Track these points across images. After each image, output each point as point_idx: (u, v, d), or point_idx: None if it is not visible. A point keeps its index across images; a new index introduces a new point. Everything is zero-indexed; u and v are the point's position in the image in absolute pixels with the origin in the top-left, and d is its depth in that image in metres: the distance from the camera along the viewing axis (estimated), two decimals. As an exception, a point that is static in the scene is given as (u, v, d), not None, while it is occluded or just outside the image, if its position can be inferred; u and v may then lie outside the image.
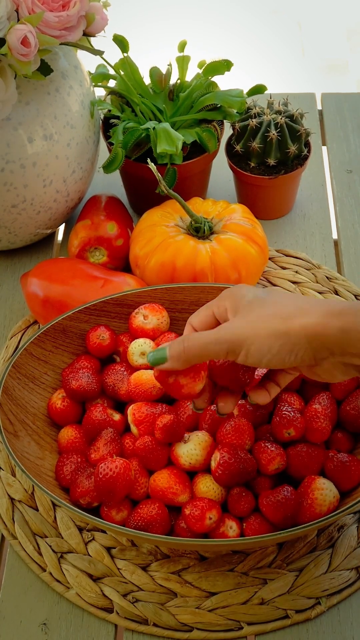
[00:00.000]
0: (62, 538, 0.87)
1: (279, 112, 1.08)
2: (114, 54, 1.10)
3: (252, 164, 1.11)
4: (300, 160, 1.11)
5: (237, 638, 0.82)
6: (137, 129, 1.04)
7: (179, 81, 1.11)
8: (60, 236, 1.18)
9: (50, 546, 0.87)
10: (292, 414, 0.84)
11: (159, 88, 1.09)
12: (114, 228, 1.05)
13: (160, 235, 1.00)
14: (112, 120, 1.10)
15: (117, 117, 1.10)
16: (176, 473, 0.84)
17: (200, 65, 1.09)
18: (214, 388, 0.79)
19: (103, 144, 1.24)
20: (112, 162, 1.04)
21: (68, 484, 0.85)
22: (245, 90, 1.10)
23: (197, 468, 0.84)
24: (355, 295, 1.06)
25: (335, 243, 1.16)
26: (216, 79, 1.09)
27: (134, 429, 0.86)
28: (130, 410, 0.86)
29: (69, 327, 0.93)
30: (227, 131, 1.23)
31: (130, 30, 2.08)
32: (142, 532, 0.77)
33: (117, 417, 0.89)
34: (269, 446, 0.83)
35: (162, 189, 0.95)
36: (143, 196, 1.13)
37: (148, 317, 0.92)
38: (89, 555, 0.86)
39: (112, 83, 1.13)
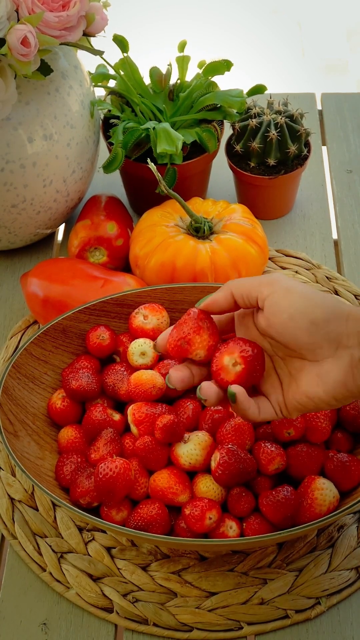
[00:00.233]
0: (62, 538, 0.87)
1: (279, 112, 1.08)
2: (114, 54, 1.10)
3: (252, 164, 1.11)
4: (300, 160, 1.11)
5: (237, 638, 0.82)
6: (137, 129, 1.04)
7: (179, 81, 1.11)
8: (60, 236, 1.18)
9: (50, 546, 0.87)
10: (292, 414, 0.84)
11: (159, 88, 1.09)
12: (114, 228, 1.05)
13: (160, 235, 1.00)
14: (112, 120, 1.10)
15: (117, 117, 1.10)
16: (176, 473, 0.84)
17: (200, 65, 1.09)
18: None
19: (103, 144, 1.24)
20: (112, 162, 1.04)
21: (68, 484, 0.85)
22: (245, 90, 1.10)
23: (197, 468, 0.84)
24: (355, 295, 1.06)
25: (335, 243, 1.16)
26: (216, 79, 1.09)
27: (134, 429, 0.86)
28: (130, 410, 0.86)
29: (69, 327, 0.93)
30: (227, 131, 1.23)
31: (130, 30, 2.08)
32: (142, 532, 0.77)
33: (117, 417, 0.89)
34: (269, 446, 0.83)
35: (162, 189, 0.95)
36: (143, 196, 1.13)
37: (148, 317, 0.92)
38: (89, 555, 0.86)
39: (112, 83, 1.13)
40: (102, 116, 1.13)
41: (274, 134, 1.07)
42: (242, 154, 1.11)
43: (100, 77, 1.09)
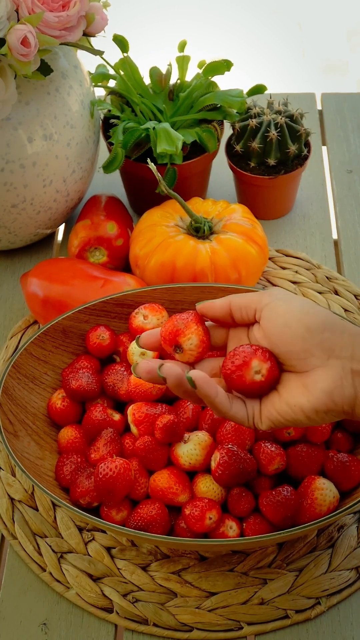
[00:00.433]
0: (62, 538, 0.87)
1: (279, 112, 1.08)
2: (114, 54, 1.10)
3: (252, 164, 1.11)
4: (300, 160, 1.11)
5: (237, 638, 0.82)
6: (137, 129, 1.04)
7: (179, 81, 1.11)
8: (60, 236, 1.18)
9: (50, 546, 0.87)
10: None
11: (159, 88, 1.09)
12: (114, 228, 1.05)
13: (160, 235, 1.00)
14: (112, 120, 1.10)
15: (117, 117, 1.10)
16: (176, 473, 0.84)
17: (200, 65, 1.09)
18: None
19: (103, 144, 1.24)
20: (112, 162, 1.04)
21: (68, 484, 0.85)
22: (245, 90, 1.10)
23: (197, 468, 0.84)
24: (356, 295, 1.06)
25: (335, 243, 1.16)
26: (216, 79, 1.09)
27: (134, 429, 0.86)
28: (130, 410, 0.86)
29: (69, 327, 0.93)
30: (227, 131, 1.23)
31: (131, 30, 2.08)
32: (142, 532, 0.77)
33: (117, 417, 0.89)
34: (269, 446, 0.83)
35: (162, 189, 0.95)
36: (143, 196, 1.13)
37: (148, 317, 0.92)
38: (89, 555, 0.86)
39: (112, 83, 1.13)
40: (102, 116, 1.13)
41: (274, 134, 1.07)
42: (242, 154, 1.11)
43: (100, 77, 1.09)
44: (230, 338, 0.74)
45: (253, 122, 1.08)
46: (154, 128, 1.02)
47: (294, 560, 0.85)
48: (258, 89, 1.09)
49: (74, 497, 0.84)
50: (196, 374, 0.69)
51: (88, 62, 1.13)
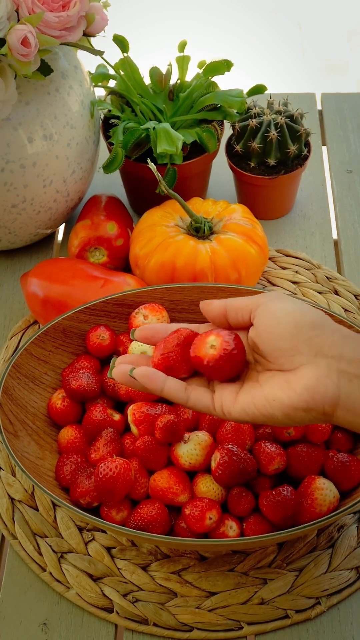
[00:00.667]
0: (62, 538, 0.87)
1: (279, 112, 1.08)
2: (114, 54, 1.10)
3: (252, 164, 1.11)
4: (300, 160, 1.11)
5: (237, 638, 0.82)
6: (137, 129, 1.04)
7: (179, 81, 1.11)
8: (60, 236, 1.18)
9: (50, 546, 0.87)
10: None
11: (159, 88, 1.09)
12: (114, 228, 1.05)
13: (160, 235, 1.00)
14: (112, 120, 1.10)
15: (117, 117, 1.10)
16: (176, 473, 0.84)
17: (200, 65, 1.09)
18: None
19: (103, 144, 1.24)
20: (112, 162, 1.04)
21: (68, 484, 0.85)
22: (245, 90, 1.10)
23: (197, 468, 0.84)
24: (356, 295, 1.06)
25: (335, 243, 1.16)
26: (216, 79, 1.09)
27: (134, 429, 0.86)
28: (130, 410, 0.86)
29: (69, 327, 0.93)
30: (227, 131, 1.23)
31: (131, 30, 2.08)
32: (142, 532, 0.77)
33: (117, 417, 0.89)
34: (269, 446, 0.83)
35: (162, 189, 0.95)
36: (143, 196, 1.13)
37: (148, 317, 0.92)
38: (89, 555, 0.86)
39: (112, 83, 1.13)
40: (102, 116, 1.13)
41: (274, 134, 1.07)
42: (242, 154, 1.11)
43: (100, 77, 1.09)
44: None
45: (253, 122, 1.08)
46: (154, 128, 1.03)
47: (294, 560, 0.85)
48: (258, 89, 1.09)
49: (74, 497, 0.84)
50: (137, 370, 0.69)
51: (88, 62, 1.13)
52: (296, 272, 1.09)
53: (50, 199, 1.04)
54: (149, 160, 0.95)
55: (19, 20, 0.89)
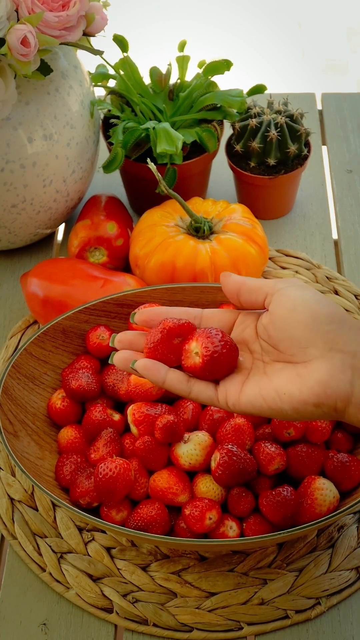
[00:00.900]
0: (62, 538, 0.87)
1: (279, 112, 1.08)
2: (114, 54, 1.10)
3: (252, 164, 1.11)
4: (300, 160, 1.11)
5: (237, 638, 0.81)
6: (137, 129, 1.04)
7: (179, 81, 1.11)
8: (60, 236, 1.18)
9: (50, 546, 0.87)
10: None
11: (159, 88, 1.09)
12: (113, 228, 1.05)
13: (160, 235, 1.00)
14: (112, 120, 1.10)
15: (117, 117, 1.10)
16: (176, 473, 0.84)
17: (200, 65, 1.09)
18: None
19: (103, 144, 1.24)
20: (112, 162, 1.04)
21: (68, 484, 0.85)
22: (245, 90, 1.10)
23: (197, 468, 0.84)
24: (356, 295, 1.06)
25: (335, 243, 1.16)
26: (216, 78, 1.09)
27: (133, 429, 0.86)
28: (130, 410, 0.86)
29: (69, 327, 0.93)
30: (227, 131, 1.23)
31: (131, 30, 2.08)
32: (142, 532, 0.77)
33: (117, 417, 0.89)
34: (269, 446, 0.83)
35: (162, 189, 0.95)
36: (143, 196, 1.13)
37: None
38: (89, 555, 0.86)
39: (112, 83, 1.13)
40: (102, 116, 1.13)
41: (274, 134, 1.07)
42: (242, 153, 1.11)
43: (100, 77, 1.09)
44: (237, 325, 0.72)
45: (253, 122, 1.08)
46: (154, 128, 1.02)
47: (294, 560, 0.85)
48: (258, 89, 1.09)
49: (74, 497, 0.84)
50: (139, 362, 0.68)
51: (88, 62, 1.13)
52: (296, 272, 1.09)
53: (50, 199, 1.04)
54: (148, 160, 0.95)
55: (18, 20, 0.89)
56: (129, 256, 1.05)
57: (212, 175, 1.18)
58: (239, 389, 0.68)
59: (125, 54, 1.08)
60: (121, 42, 1.08)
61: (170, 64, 1.10)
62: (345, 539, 0.86)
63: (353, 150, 1.26)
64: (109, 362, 0.71)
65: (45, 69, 0.94)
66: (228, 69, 1.07)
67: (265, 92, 1.10)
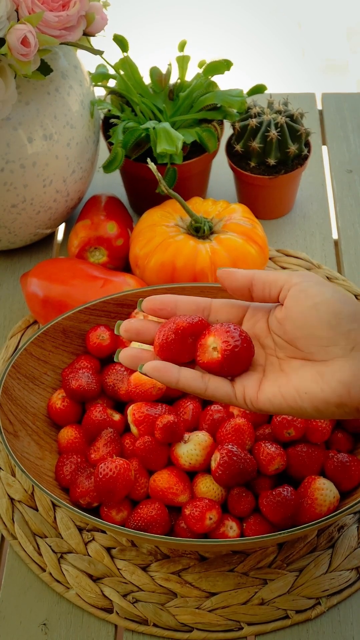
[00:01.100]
0: (62, 538, 0.87)
1: (279, 112, 1.08)
2: (114, 54, 1.10)
3: (252, 164, 1.11)
4: (300, 160, 1.11)
5: (237, 638, 0.81)
6: (137, 129, 1.04)
7: (179, 81, 1.11)
8: (60, 236, 1.18)
9: (50, 546, 0.87)
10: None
11: (159, 88, 1.09)
12: (114, 228, 1.05)
13: (160, 235, 1.00)
14: (112, 120, 1.10)
15: (117, 117, 1.10)
16: (176, 473, 0.84)
17: (200, 65, 1.09)
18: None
19: (103, 143, 1.24)
20: (112, 162, 1.04)
21: (68, 484, 0.85)
22: (245, 90, 1.10)
23: (197, 468, 0.84)
24: (356, 295, 1.06)
25: (335, 243, 1.16)
26: (216, 78, 1.09)
27: (134, 429, 0.86)
28: (130, 410, 0.86)
29: (69, 327, 0.93)
30: (227, 131, 1.23)
31: (131, 30, 2.08)
32: (142, 533, 0.77)
33: (117, 417, 0.89)
34: (269, 446, 0.83)
35: (162, 188, 0.95)
36: (143, 196, 1.13)
37: (148, 317, 0.92)
38: (89, 555, 0.86)
39: (112, 83, 1.13)
40: (102, 116, 1.13)
41: (274, 134, 1.07)
42: (242, 153, 1.11)
43: (100, 77, 1.09)
44: (247, 319, 0.69)
45: (253, 121, 1.08)
46: (154, 128, 1.02)
47: (294, 560, 0.85)
48: (258, 89, 1.09)
49: (74, 497, 0.84)
50: (147, 365, 0.66)
51: (88, 62, 1.13)
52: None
53: (50, 199, 1.03)
54: (148, 160, 0.95)
55: (18, 19, 0.89)
56: (129, 256, 1.05)
57: (212, 175, 1.18)
58: (256, 387, 0.66)
59: (125, 54, 1.08)
60: (121, 42, 1.08)
61: (170, 64, 1.10)
62: (346, 539, 0.86)
63: (353, 150, 1.26)
64: (115, 359, 0.69)
65: (45, 69, 0.93)
66: (228, 69, 1.07)
67: (265, 92, 1.10)
